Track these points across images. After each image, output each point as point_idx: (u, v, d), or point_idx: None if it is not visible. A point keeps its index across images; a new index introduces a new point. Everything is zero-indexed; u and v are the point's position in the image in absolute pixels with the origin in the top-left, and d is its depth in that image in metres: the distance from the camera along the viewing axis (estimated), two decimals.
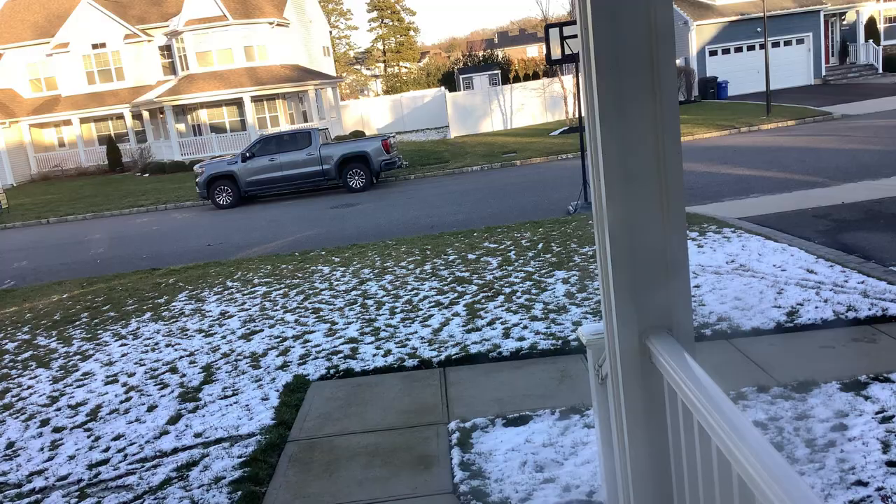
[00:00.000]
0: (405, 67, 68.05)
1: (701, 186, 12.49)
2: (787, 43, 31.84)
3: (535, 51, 60.88)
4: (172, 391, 5.84)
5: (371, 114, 40.82)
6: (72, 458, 4.89)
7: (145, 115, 33.46)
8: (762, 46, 25.95)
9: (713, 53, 31.99)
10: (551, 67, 31.44)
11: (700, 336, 5.53)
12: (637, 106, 1.79)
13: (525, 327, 6.26)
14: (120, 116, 34.27)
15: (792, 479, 1.24)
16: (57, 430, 5.39)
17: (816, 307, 5.84)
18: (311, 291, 8.47)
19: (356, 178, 19.18)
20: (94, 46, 33.87)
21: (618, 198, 1.84)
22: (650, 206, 1.84)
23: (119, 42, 33.86)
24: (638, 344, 1.94)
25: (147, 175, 29.73)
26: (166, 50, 34.42)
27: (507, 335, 6.12)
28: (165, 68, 34.67)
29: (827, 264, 7.00)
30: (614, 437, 2.30)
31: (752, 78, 30.55)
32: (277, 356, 6.34)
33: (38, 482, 4.60)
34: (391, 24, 68.33)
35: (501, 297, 7.23)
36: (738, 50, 32.00)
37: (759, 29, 29.74)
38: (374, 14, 68.18)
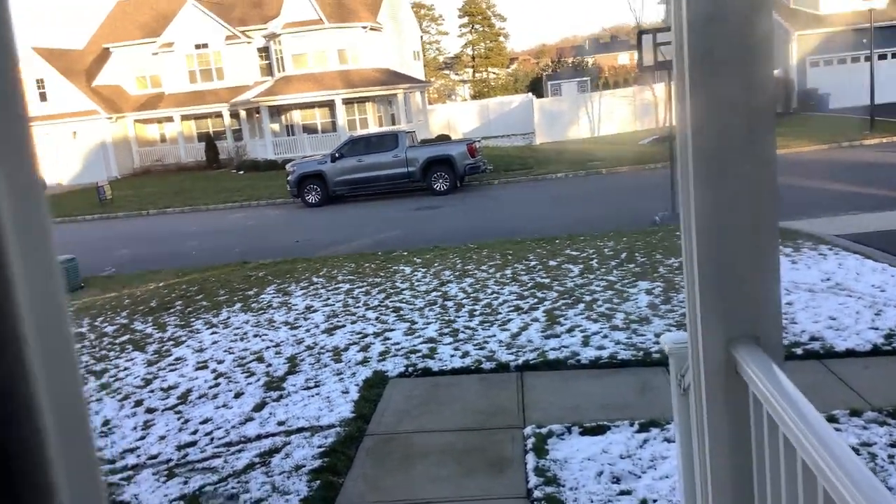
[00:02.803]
0: (493, 73, 68.15)
1: (796, 201, 12.01)
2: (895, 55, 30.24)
3: (626, 58, 59.88)
4: (258, 379, 6.06)
5: (458, 118, 41.09)
6: (162, 438, 5.14)
7: (242, 114, 34.75)
8: (867, 58, 24.71)
9: (814, 64, 30.67)
10: (642, 75, 30.87)
11: (791, 355, 5.34)
12: (731, 116, 1.77)
13: (605, 336, 6.18)
14: (218, 115, 35.70)
15: (884, 498, 1.21)
16: (149, 410, 5.69)
17: None
18: (392, 290, 8.61)
19: (440, 181, 19.35)
20: (197, 46, 35.43)
21: (707, 206, 1.81)
22: (741, 215, 1.81)
23: (220, 43, 35.31)
24: (723, 353, 1.90)
25: (242, 172, 30.85)
26: (264, 51, 35.65)
27: (586, 343, 6.06)
28: (263, 69, 35.91)
29: None
30: (695, 449, 2.27)
31: (856, 91, 29.09)
32: (358, 351, 6.49)
33: (131, 459, 4.86)
34: (481, 29, 68.57)
35: (582, 305, 7.17)
36: (842, 61, 30.56)
37: (864, 40, 28.33)
38: (465, 20, 68.58)
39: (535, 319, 6.86)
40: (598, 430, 4.51)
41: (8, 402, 0.42)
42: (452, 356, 6.11)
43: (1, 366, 0.41)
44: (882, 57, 29.20)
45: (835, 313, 6.14)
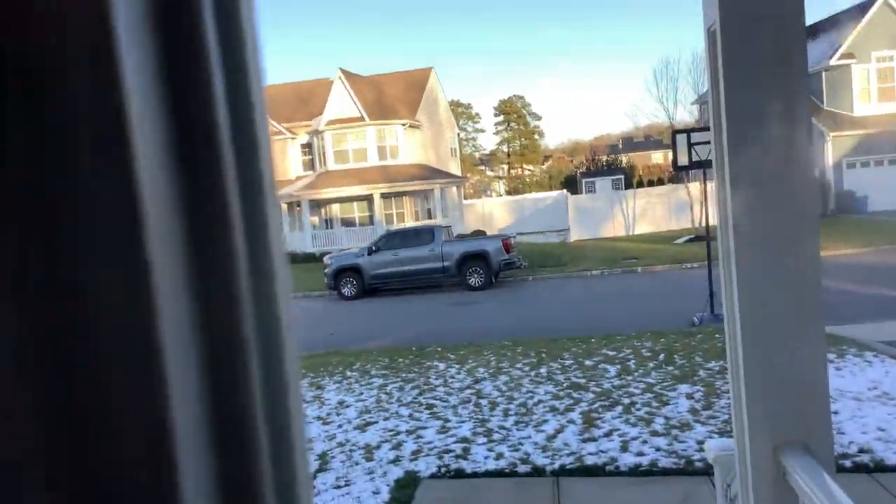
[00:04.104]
0: (528, 170, 69.43)
1: (837, 306, 11.78)
2: None
3: (659, 157, 60.67)
4: None
5: (493, 213, 41.64)
6: None
7: (283, 207, 35.69)
8: None
9: (851, 166, 30.70)
10: (677, 174, 31.16)
11: (838, 467, 5.11)
12: (771, 219, 1.79)
13: (644, 442, 6.02)
14: None
15: None
16: None
17: None
18: (425, 387, 8.54)
19: (475, 276, 19.43)
20: None
21: (752, 307, 1.81)
22: (787, 317, 1.80)
23: None
24: (771, 460, 1.85)
25: None
26: (307, 147, 36.93)
27: (625, 449, 5.90)
28: (305, 164, 37.09)
29: None
30: None
31: (895, 193, 28.94)
32: (390, 450, 6.39)
33: None
34: (517, 127, 70.39)
35: (619, 408, 7.02)
36: (879, 163, 30.55)
37: None
38: (501, 118, 70.57)
39: (571, 421, 6.72)
40: None
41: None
42: (486, 458, 5.98)
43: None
44: None
45: (884, 424, 5.91)
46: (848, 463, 5.21)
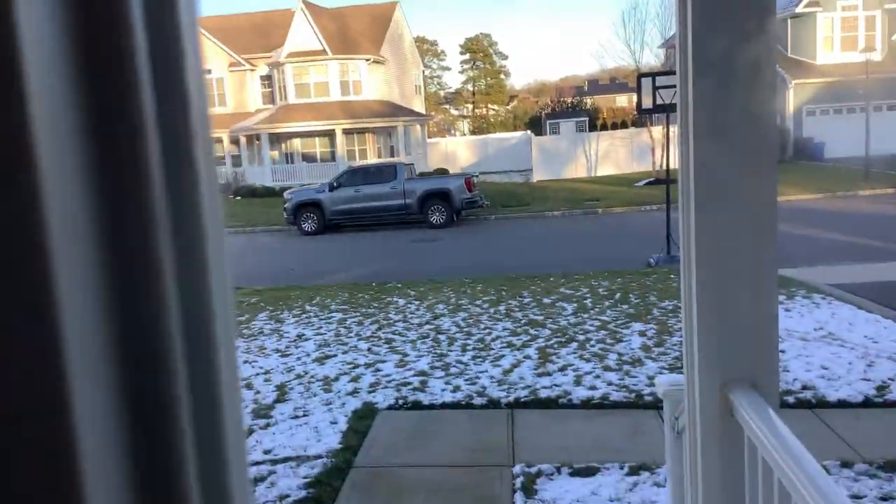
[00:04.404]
0: (493, 109, 68.87)
1: (791, 249, 12.08)
2: (891, 108, 30.63)
3: (624, 100, 60.62)
4: (246, 406, 5.99)
5: (456, 152, 41.39)
6: None
7: (243, 140, 34.93)
8: (863, 109, 25.07)
9: (811, 114, 31.09)
10: (641, 117, 31.23)
11: (783, 403, 5.30)
12: (733, 160, 1.79)
13: (597, 377, 6.16)
14: (219, 140, 35.84)
15: None
16: None
17: None
18: (385, 322, 8.58)
19: (437, 214, 19.41)
20: None
21: (708, 249, 1.83)
22: (741, 259, 1.82)
23: (224, 69, 35.62)
24: (719, 396, 1.90)
25: (239, 198, 30.89)
26: (267, 80, 35.97)
27: (578, 383, 6.03)
28: (265, 97, 36.19)
29: None
30: (687, 493, 2.25)
31: (851, 142, 29.46)
32: (349, 382, 6.44)
33: None
34: (483, 66, 69.47)
35: (575, 344, 7.15)
36: (838, 112, 30.99)
37: (861, 91, 28.80)
38: (467, 56, 69.50)
39: (528, 357, 6.84)
40: (588, 472, 4.47)
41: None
42: (443, 390, 6.06)
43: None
44: (877, 109, 29.60)
45: (827, 363, 6.13)
46: (792, 399, 5.41)
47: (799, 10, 30.67)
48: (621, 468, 4.46)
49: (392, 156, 33.36)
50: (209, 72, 35.55)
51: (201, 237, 0.46)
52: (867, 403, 5.28)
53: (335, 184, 20.00)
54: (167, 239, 0.43)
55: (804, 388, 5.61)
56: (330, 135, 32.82)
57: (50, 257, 0.36)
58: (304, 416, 5.71)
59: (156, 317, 0.42)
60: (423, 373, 6.55)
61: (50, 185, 0.36)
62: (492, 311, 8.82)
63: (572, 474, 4.45)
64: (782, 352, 6.43)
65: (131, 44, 0.40)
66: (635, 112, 27.50)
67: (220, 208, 0.50)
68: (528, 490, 4.27)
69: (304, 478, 4.62)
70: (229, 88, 35.90)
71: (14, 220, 0.35)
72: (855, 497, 3.85)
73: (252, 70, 35.97)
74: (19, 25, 0.34)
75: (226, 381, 0.48)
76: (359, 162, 30.17)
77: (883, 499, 3.84)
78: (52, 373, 0.36)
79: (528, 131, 41.84)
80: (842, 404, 5.29)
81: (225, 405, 0.47)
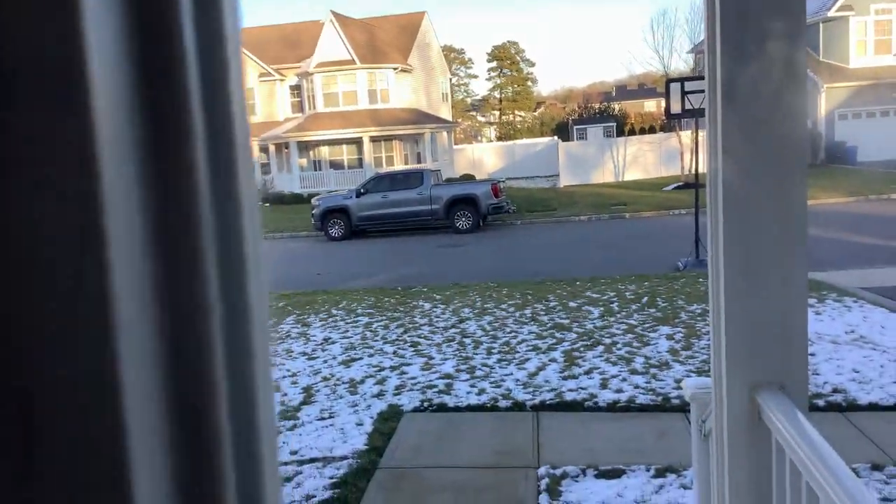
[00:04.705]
0: (520, 116, 68.76)
1: (823, 252, 11.89)
2: None
3: (652, 105, 60.19)
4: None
5: (483, 158, 41.40)
6: None
7: (272, 148, 35.31)
8: None
9: (843, 117, 30.58)
10: (669, 122, 30.98)
11: (813, 406, 5.23)
12: (764, 164, 1.78)
13: (624, 380, 6.12)
14: None
15: None
16: None
17: None
18: (410, 325, 8.61)
19: (463, 219, 19.41)
20: None
21: (736, 252, 1.82)
22: (771, 262, 1.81)
23: (254, 79, 36.08)
24: (747, 399, 1.88)
25: (268, 205, 31.22)
26: (296, 89, 36.34)
27: (604, 386, 6.00)
28: (294, 106, 36.57)
29: None
30: (713, 496, 2.23)
31: (883, 145, 28.93)
32: (374, 384, 6.47)
33: None
34: (509, 73, 69.44)
35: (601, 348, 7.11)
36: (870, 115, 30.44)
37: (894, 95, 28.31)
38: (494, 64, 69.54)
39: (553, 360, 6.81)
40: (614, 474, 4.44)
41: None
42: (468, 393, 6.07)
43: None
44: None
45: (858, 366, 6.03)
46: (822, 402, 5.32)
47: (831, 13, 30.23)
48: (647, 470, 4.43)
49: (419, 162, 33.49)
50: None
51: (241, 243, 0.48)
52: None
53: (362, 190, 20.12)
54: (211, 247, 0.44)
55: (835, 391, 5.52)
56: (357, 142, 33.05)
57: (109, 269, 0.37)
58: (331, 417, 5.75)
59: (200, 322, 0.43)
60: (448, 376, 6.56)
61: (111, 196, 0.37)
62: (517, 314, 8.81)
63: (598, 476, 4.43)
64: (812, 355, 6.33)
65: (181, 52, 0.41)
66: (664, 117, 27.30)
67: (258, 215, 0.51)
68: (553, 492, 4.26)
69: (330, 478, 4.65)
70: (259, 98, 36.33)
71: (79, 230, 0.36)
72: (885, 500, 3.78)
73: (281, 80, 36.38)
74: (85, 34, 0.35)
75: (261, 385, 0.49)
76: (385, 169, 30.32)
77: None
78: (108, 376, 0.38)
79: (556, 137, 41.71)
80: (873, 407, 5.19)
81: (260, 407, 0.48)
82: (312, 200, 21.26)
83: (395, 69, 34.03)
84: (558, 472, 4.49)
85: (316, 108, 34.01)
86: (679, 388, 5.59)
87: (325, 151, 34.02)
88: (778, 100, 1.75)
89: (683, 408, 5.12)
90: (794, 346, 1.85)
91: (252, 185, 0.49)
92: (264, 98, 36.39)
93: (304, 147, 33.97)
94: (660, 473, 4.38)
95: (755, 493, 1.93)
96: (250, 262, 0.48)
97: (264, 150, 36.02)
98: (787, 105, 1.76)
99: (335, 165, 33.67)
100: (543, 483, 4.37)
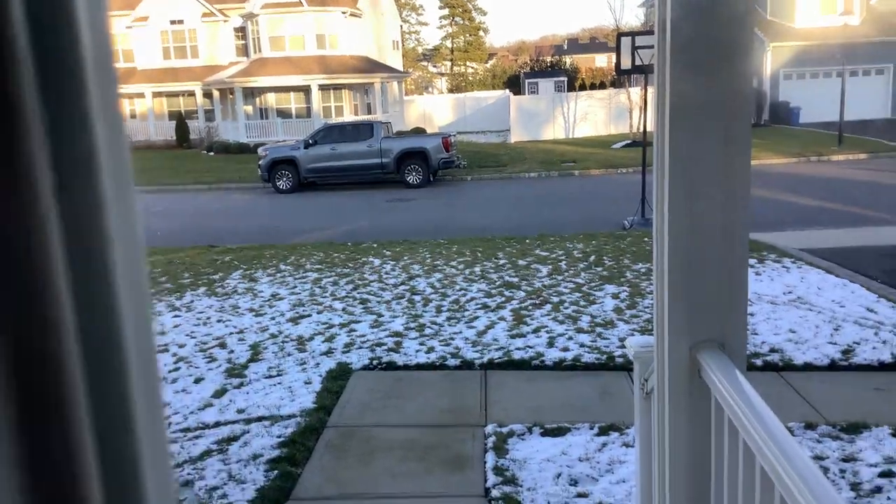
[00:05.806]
0: (472, 67, 68.07)
1: (763, 213, 12.21)
2: (867, 73, 30.81)
3: (604, 60, 60.25)
4: (220, 366, 5.99)
5: (434, 111, 41.02)
6: None
7: (216, 94, 34.25)
8: (839, 74, 25.19)
9: (787, 77, 31.17)
10: (619, 78, 31.11)
11: (750, 366, 5.41)
12: (709, 124, 1.78)
13: (570, 338, 6.22)
14: (191, 94, 35.12)
15: None
16: None
17: (874, 347, 5.67)
18: (360, 282, 8.57)
19: (414, 173, 19.29)
20: (172, 22, 34.76)
21: (680, 212, 1.83)
22: (713, 222, 1.83)
23: (196, 20, 34.73)
24: (688, 357, 1.92)
25: (212, 153, 30.42)
26: (241, 31, 35.13)
27: (551, 344, 6.10)
28: (238, 49, 35.39)
29: (889, 304, 6.78)
30: (654, 453, 2.29)
31: (826, 106, 29.64)
32: (323, 342, 6.44)
33: None
34: (461, 22, 68.43)
35: (549, 306, 7.20)
36: (814, 76, 31.09)
37: (837, 56, 28.92)
38: (446, 11, 68.37)
39: (502, 318, 6.88)
40: (559, 432, 4.54)
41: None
42: (418, 351, 6.09)
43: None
44: (853, 74, 29.76)
45: (795, 326, 6.25)
46: (759, 362, 5.51)
47: None
48: (591, 428, 4.54)
49: (369, 113, 32.96)
50: (181, 22, 34.67)
51: (99, 216, 0.42)
52: (833, 367, 5.40)
53: (311, 141, 19.75)
54: (52, 209, 0.39)
55: (772, 350, 5.72)
56: (305, 90, 32.28)
57: None
58: (279, 375, 5.72)
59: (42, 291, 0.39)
60: (397, 333, 6.57)
61: None
62: (467, 272, 8.84)
63: (543, 434, 4.52)
64: (751, 315, 6.53)
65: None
66: (614, 72, 27.37)
67: (127, 169, 0.45)
68: (500, 449, 4.33)
69: (278, 437, 4.64)
70: (202, 40, 35.03)
71: None
72: (817, 458, 3.95)
73: (225, 21, 35.09)
74: None
75: (136, 350, 0.45)
76: (335, 119, 29.78)
77: (845, 460, 3.95)
78: None
79: (507, 90, 41.53)
80: (808, 367, 5.41)
81: (132, 375, 0.45)
82: (259, 150, 20.80)
83: (343, 13, 33.13)
84: (505, 430, 4.57)
85: (262, 52, 32.99)
86: (623, 346, 5.72)
87: (271, 99, 33.17)
88: (727, 56, 1.75)
89: (627, 366, 5.24)
90: (735, 306, 1.89)
91: (121, 137, 0.44)
92: (207, 40, 35.10)
93: (250, 94, 33.04)
94: (603, 431, 4.49)
95: (695, 450, 1.99)
96: (112, 221, 0.43)
97: (208, 95, 34.92)
98: (734, 62, 1.76)
99: (283, 114, 32.88)
100: (490, 441, 4.45)
